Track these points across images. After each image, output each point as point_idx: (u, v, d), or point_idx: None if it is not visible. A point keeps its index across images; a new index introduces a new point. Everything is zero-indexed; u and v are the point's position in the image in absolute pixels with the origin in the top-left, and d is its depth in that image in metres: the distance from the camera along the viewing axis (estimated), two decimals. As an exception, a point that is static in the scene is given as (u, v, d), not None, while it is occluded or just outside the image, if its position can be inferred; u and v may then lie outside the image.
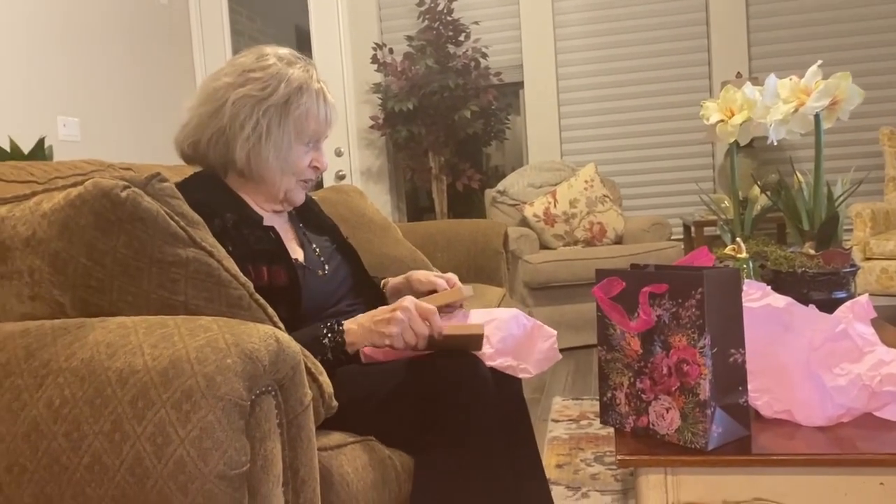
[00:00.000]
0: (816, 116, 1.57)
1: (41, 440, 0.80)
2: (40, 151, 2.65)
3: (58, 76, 3.43)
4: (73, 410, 0.79)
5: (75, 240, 0.87)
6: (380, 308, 1.25)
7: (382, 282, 1.61)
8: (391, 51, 4.40)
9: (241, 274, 0.95)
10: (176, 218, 0.90)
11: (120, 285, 0.89)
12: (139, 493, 0.76)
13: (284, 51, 1.41)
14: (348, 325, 1.24)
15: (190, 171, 1.46)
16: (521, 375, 1.30)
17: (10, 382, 0.83)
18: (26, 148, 2.68)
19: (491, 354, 1.28)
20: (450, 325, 1.23)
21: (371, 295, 1.52)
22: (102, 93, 3.72)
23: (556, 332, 1.36)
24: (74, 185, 0.88)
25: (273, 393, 0.84)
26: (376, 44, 4.41)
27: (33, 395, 0.81)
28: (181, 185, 1.29)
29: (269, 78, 1.35)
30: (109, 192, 0.85)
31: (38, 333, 0.86)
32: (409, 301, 1.22)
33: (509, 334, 1.32)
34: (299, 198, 1.45)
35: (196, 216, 0.93)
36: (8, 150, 2.58)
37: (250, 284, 0.95)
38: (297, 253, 1.42)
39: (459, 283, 1.48)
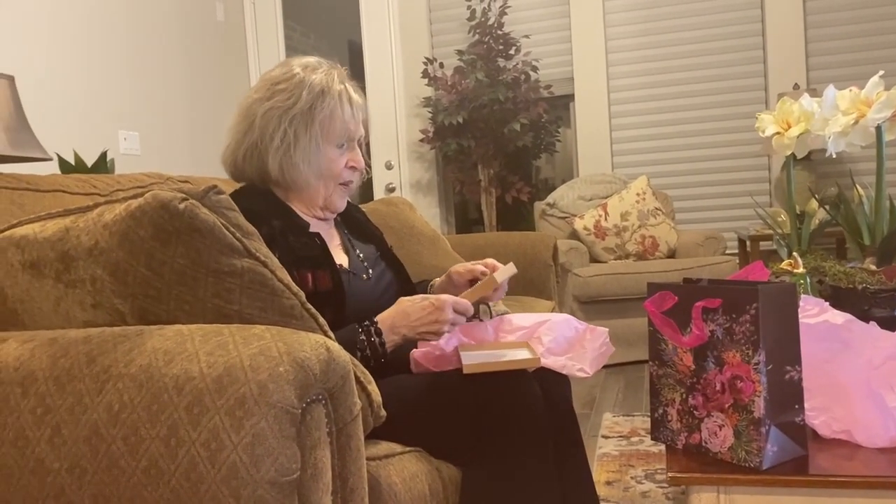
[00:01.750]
0: (878, 128, 1.53)
1: (101, 443, 0.82)
2: (103, 164, 2.74)
3: (119, 92, 3.55)
4: (131, 415, 0.81)
5: (135, 250, 0.90)
6: (419, 318, 1.28)
7: (430, 284, 1.61)
8: (441, 65, 4.44)
9: (294, 284, 0.97)
10: (231, 229, 0.92)
11: (177, 294, 0.92)
12: (193, 497, 0.78)
13: (310, 59, 1.45)
14: (384, 322, 1.28)
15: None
16: (577, 375, 1.30)
17: (72, 387, 0.85)
18: (89, 161, 2.78)
19: (543, 353, 1.29)
20: (508, 361, 1.23)
21: None
22: (161, 108, 3.84)
23: (607, 330, 1.36)
24: (135, 196, 0.91)
25: (323, 402, 0.85)
26: (427, 58, 4.45)
27: (94, 400, 0.84)
28: (231, 196, 1.33)
29: (294, 87, 1.39)
30: (168, 203, 0.88)
31: (99, 340, 0.89)
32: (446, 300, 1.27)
33: (561, 335, 1.33)
34: (340, 204, 1.47)
35: (251, 227, 0.95)
36: (72, 163, 2.68)
37: (302, 294, 0.97)
38: (341, 258, 1.45)
39: (499, 265, 1.47)
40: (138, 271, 0.91)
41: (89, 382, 0.85)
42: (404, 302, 1.29)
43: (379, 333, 1.26)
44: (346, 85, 1.44)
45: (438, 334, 1.26)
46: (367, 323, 1.27)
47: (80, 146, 3.09)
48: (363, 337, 1.25)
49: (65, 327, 0.99)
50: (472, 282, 1.47)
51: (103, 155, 2.75)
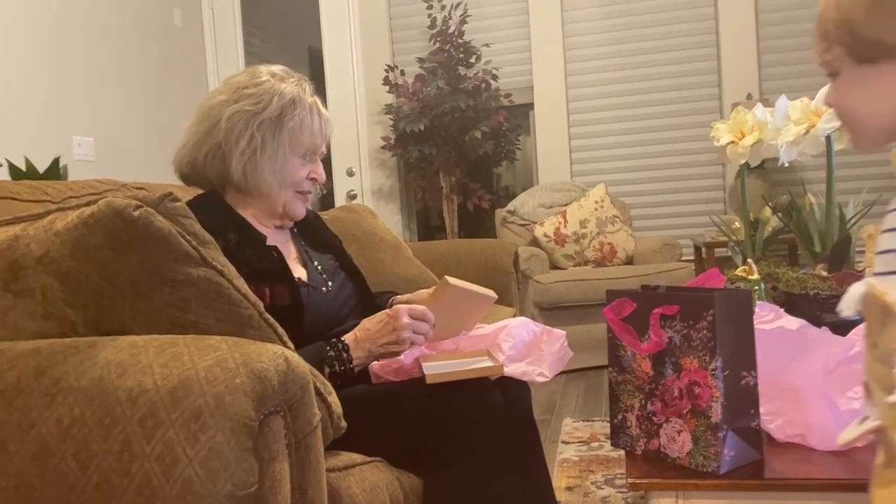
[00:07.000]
0: (828, 138, 1.57)
1: (50, 459, 0.80)
2: (55, 171, 2.67)
3: (73, 96, 3.47)
4: (82, 430, 0.79)
5: (88, 258, 0.88)
6: (379, 331, 1.28)
7: (391, 299, 1.60)
8: (403, 72, 4.43)
9: (251, 293, 0.95)
10: (187, 237, 0.90)
11: (131, 304, 0.89)
12: (147, 513, 0.76)
13: (277, 68, 1.45)
14: (348, 338, 1.28)
15: (199, 190, 1.47)
16: (537, 380, 1.30)
17: (20, 401, 0.83)
18: (42, 167, 2.71)
19: (504, 361, 1.29)
20: (471, 370, 1.23)
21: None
22: (117, 113, 3.76)
23: (564, 333, 1.37)
24: (88, 204, 0.89)
25: (282, 413, 0.83)
26: (388, 65, 4.45)
27: (42, 414, 0.81)
28: None
29: (263, 93, 1.38)
30: (122, 211, 0.86)
31: (49, 352, 0.87)
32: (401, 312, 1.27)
33: (519, 340, 1.33)
34: (299, 211, 1.46)
35: (207, 235, 0.94)
36: (24, 169, 2.61)
37: (260, 304, 0.96)
38: (299, 272, 1.43)
39: (456, 282, 1.46)
40: (91, 280, 0.89)
41: (38, 396, 0.82)
42: (365, 321, 1.32)
43: (346, 349, 1.26)
44: (316, 98, 1.45)
45: (400, 343, 1.26)
46: (334, 340, 1.27)
47: (32, 152, 3.01)
48: (332, 353, 1.25)
49: (13, 339, 0.96)
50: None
51: (56, 161, 2.69)
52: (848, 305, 0.77)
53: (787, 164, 1.61)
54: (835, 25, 0.79)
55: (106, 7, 3.72)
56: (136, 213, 0.86)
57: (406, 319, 1.26)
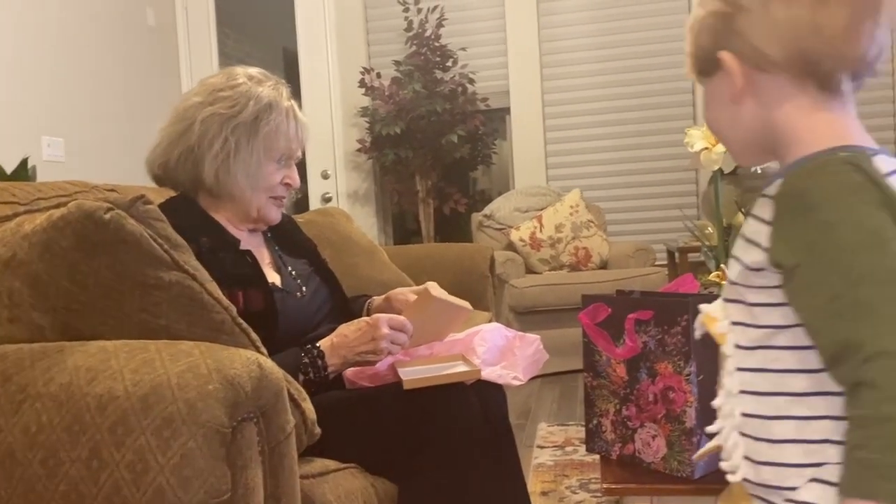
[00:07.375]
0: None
1: (16, 467, 0.78)
2: (23, 172, 2.63)
3: (43, 96, 3.42)
4: (50, 437, 0.77)
5: (57, 262, 0.86)
6: (357, 339, 1.26)
7: (367, 301, 1.59)
8: (379, 75, 4.42)
9: (224, 298, 0.94)
10: (159, 241, 0.89)
11: (101, 308, 0.88)
12: (116, 522, 0.75)
13: (254, 70, 1.42)
14: (324, 344, 1.26)
15: (172, 192, 1.45)
16: (512, 383, 1.30)
17: (-15, 407, 0.81)
18: (9, 168, 2.66)
19: (479, 365, 1.28)
20: (448, 374, 1.23)
21: (351, 318, 1.51)
22: (88, 113, 3.71)
23: (538, 337, 1.36)
24: (57, 206, 0.88)
25: (255, 420, 0.82)
26: (364, 68, 4.43)
27: (9, 421, 0.79)
28: None
29: (239, 96, 1.36)
30: (93, 214, 0.84)
31: (15, 357, 0.85)
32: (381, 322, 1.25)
33: (493, 345, 1.34)
34: (274, 216, 1.44)
35: (179, 239, 0.93)
36: (-9, 169, 2.56)
37: (233, 309, 0.95)
38: (273, 276, 1.41)
39: (439, 294, 1.45)
40: (60, 284, 0.87)
41: (4, 403, 0.81)
42: (342, 327, 1.29)
43: (321, 356, 1.24)
44: (293, 103, 1.43)
45: (377, 353, 1.24)
46: (309, 346, 1.25)
47: (-2, 152, 2.96)
48: (307, 360, 1.23)
49: (-22, 344, 0.93)
50: None
51: (24, 162, 2.64)
52: (696, 327, 0.82)
53: (759, 171, 1.63)
54: (687, 42, 0.83)
55: (77, 6, 3.67)
56: (108, 215, 0.84)
57: (385, 330, 1.24)
